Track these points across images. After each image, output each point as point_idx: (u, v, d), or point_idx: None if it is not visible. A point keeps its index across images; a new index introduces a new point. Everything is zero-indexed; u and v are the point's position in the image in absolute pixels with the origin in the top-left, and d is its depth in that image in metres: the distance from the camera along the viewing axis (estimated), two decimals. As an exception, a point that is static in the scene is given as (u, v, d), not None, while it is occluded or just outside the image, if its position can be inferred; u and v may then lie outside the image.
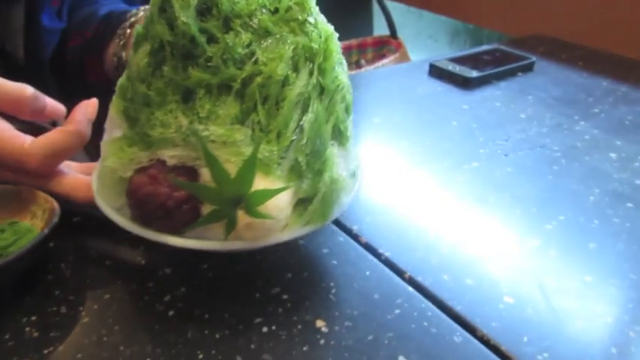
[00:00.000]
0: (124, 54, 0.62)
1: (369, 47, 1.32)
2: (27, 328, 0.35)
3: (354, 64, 1.31)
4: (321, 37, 0.35)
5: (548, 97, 0.74)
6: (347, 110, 0.38)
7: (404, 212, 0.48)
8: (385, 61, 1.17)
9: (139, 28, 0.36)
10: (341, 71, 0.37)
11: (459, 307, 0.37)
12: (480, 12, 1.26)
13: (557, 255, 0.43)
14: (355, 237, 0.44)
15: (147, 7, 0.63)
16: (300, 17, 0.35)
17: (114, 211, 0.36)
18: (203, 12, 0.34)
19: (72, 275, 0.39)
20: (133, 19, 0.62)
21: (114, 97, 0.37)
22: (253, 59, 0.33)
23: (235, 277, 0.39)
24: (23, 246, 0.36)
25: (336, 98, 0.36)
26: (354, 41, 1.30)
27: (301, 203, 0.35)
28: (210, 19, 0.34)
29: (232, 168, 0.32)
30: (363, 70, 1.15)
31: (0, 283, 0.36)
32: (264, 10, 0.34)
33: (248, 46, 0.34)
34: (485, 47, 0.92)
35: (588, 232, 0.46)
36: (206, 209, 0.33)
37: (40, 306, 0.37)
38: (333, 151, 0.36)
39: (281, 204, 0.33)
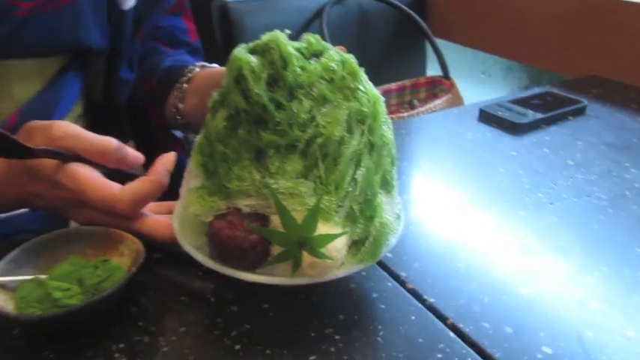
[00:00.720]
0: (180, 105, 0.77)
1: (422, 87, 1.42)
2: (116, 355, 0.45)
3: (407, 104, 1.41)
4: (370, 101, 0.45)
5: (600, 143, 0.81)
6: (392, 162, 0.47)
7: (449, 260, 0.56)
8: (438, 101, 1.27)
9: (215, 95, 0.46)
10: (386, 129, 0.46)
11: (497, 355, 0.44)
12: (533, 52, 1.35)
13: (598, 307, 0.49)
14: (402, 283, 0.52)
15: (202, 63, 0.78)
16: (352, 85, 0.45)
17: (194, 249, 0.46)
18: (271, 83, 0.44)
19: (153, 308, 0.49)
20: (189, 75, 0.77)
21: (192, 153, 0.48)
22: (314, 123, 0.43)
23: (293, 316, 0.48)
24: (115, 282, 0.46)
25: (383, 153, 0.45)
26: (407, 82, 1.41)
27: (355, 244, 0.44)
28: (277, 89, 0.44)
29: (298, 215, 0.42)
30: (415, 111, 1.24)
31: (96, 314, 0.46)
32: (322, 81, 0.44)
33: (309, 111, 0.43)
34: (536, 90, 1.00)
35: (632, 285, 0.52)
36: (275, 250, 0.43)
37: (126, 334, 0.47)
38: (382, 198, 0.45)
39: (339, 246, 0.42)
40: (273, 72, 0.44)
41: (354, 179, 0.43)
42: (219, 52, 1.29)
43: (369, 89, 0.46)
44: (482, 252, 0.57)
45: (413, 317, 0.48)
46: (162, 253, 0.56)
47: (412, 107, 1.36)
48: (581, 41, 1.24)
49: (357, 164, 0.44)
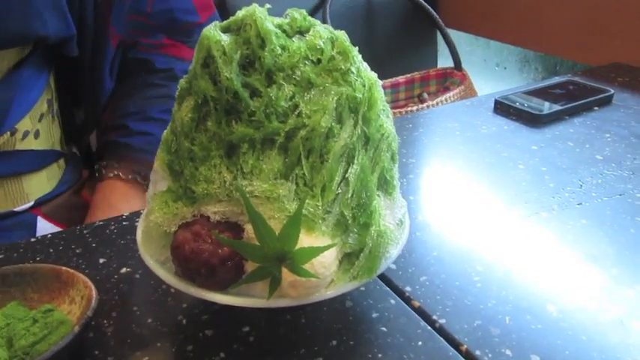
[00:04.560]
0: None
1: (433, 80, 1.34)
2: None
3: (416, 98, 1.32)
4: (364, 85, 0.38)
5: (630, 135, 0.72)
6: (392, 158, 0.40)
7: (463, 272, 0.48)
8: (449, 94, 1.19)
9: (182, 82, 0.39)
10: (385, 119, 0.39)
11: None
12: (551, 40, 1.26)
13: None
14: (408, 300, 0.45)
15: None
16: (342, 67, 0.37)
17: (158, 264, 0.39)
18: (246, 66, 0.37)
19: (113, 333, 0.42)
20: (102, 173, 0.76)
21: (158, 151, 0.41)
22: (296, 112, 0.36)
23: (277, 342, 0.41)
24: (52, 345, 0.36)
25: (381, 147, 0.38)
26: (416, 74, 1.33)
27: (347, 258, 0.37)
28: (253, 73, 0.37)
29: (276, 224, 0.34)
30: (425, 104, 1.17)
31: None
32: (306, 62, 0.37)
33: (291, 98, 0.36)
34: (557, 79, 0.92)
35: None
36: (250, 266, 0.35)
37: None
38: (380, 202, 0.38)
39: (327, 261, 0.35)
40: (249, 52, 0.37)
41: (345, 179, 0.36)
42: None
43: (363, 72, 0.38)
44: (500, 263, 0.49)
45: (420, 343, 0.41)
46: (132, 269, 0.49)
47: (422, 101, 1.27)
48: (604, 27, 1.15)
49: (349, 161, 0.36)
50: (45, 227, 0.68)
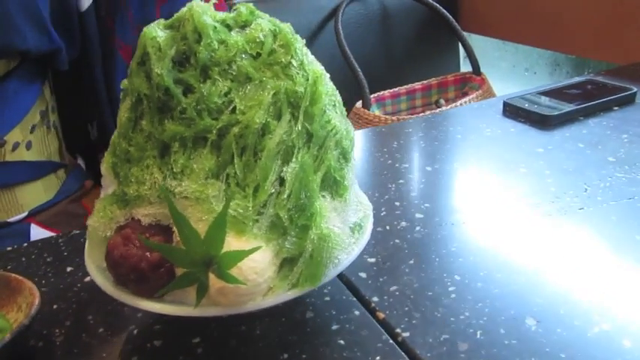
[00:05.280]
0: None
1: (451, 85, 1.29)
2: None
3: (433, 105, 1.28)
4: (308, 79, 0.35)
5: (648, 135, 0.67)
6: (345, 157, 0.37)
7: (439, 281, 0.44)
8: (466, 99, 1.14)
9: (124, 82, 0.38)
10: (334, 114, 0.36)
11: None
12: (578, 40, 1.20)
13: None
14: (373, 311, 0.42)
15: None
16: (283, 60, 0.35)
17: (100, 271, 0.37)
18: (182, 62, 0.35)
19: (62, 343, 0.41)
20: None
21: (106, 153, 0.39)
22: (230, 108, 0.34)
23: (226, 354, 0.39)
24: None
25: (327, 145, 0.35)
26: (433, 80, 1.28)
27: (288, 264, 0.34)
28: (189, 68, 0.35)
29: (204, 227, 0.32)
30: (439, 110, 1.12)
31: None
32: (244, 56, 0.35)
33: (226, 94, 0.34)
34: (576, 79, 0.86)
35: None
36: (179, 272, 0.33)
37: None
38: (324, 204, 0.35)
39: (258, 266, 0.32)
40: (185, 48, 0.35)
41: (280, 178, 0.33)
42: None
43: (307, 65, 0.36)
44: (480, 272, 0.45)
45: (377, 357, 0.37)
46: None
47: (439, 107, 1.23)
48: (634, 25, 1.09)
49: (286, 159, 0.34)
50: (39, 234, 0.68)
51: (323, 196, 0.35)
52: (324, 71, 0.37)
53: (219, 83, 0.34)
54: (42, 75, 0.69)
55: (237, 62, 0.35)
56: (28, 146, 0.67)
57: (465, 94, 1.24)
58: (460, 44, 1.35)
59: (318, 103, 0.35)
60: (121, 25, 0.73)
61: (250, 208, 0.32)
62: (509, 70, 1.64)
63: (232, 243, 0.32)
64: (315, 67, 0.36)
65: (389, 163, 0.66)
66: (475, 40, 1.53)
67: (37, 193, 0.69)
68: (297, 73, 0.35)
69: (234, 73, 0.35)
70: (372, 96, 1.19)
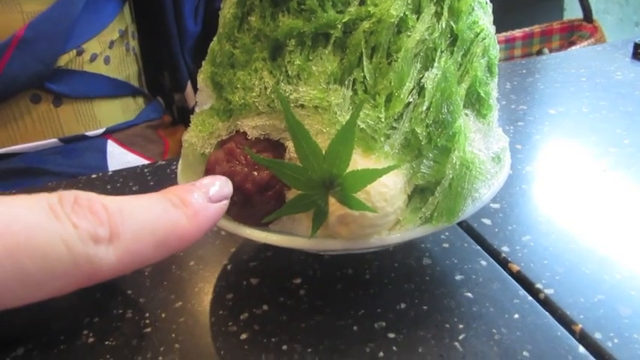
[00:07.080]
0: None
1: (556, 34, 1.16)
2: (85, 331, 0.33)
3: (535, 55, 1.17)
4: (455, -33, 0.28)
5: None
6: (490, 69, 0.30)
7: (582, 234, 0.37)
8: (575, 49, 1.02)
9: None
10: (482, 14, 0.29)
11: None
12: None
13: None
14: (504, 263, 0.35)
15: None
16: (426, -58, 0.28)
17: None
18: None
19: (150, 274, 0.37)
20: None
21: (203, 63, 0.34)
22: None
23: (332, 299, 0.33)
24: None
25: (474, 51, 0.29)
26: (536, 28, 1.16)
27: (419, 193, 0.28)
28: (309, -48, 0.29)
29: (325, 141, 0.26)
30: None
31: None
32: (377, -64, 0.28)
33: (354, -18, 0.28)
34: None
35: None
36: (292, 195, 0.28)
37: (102, 309, 0.35)
38: (468, 122, 0.28)
39: (389, 192, 0.26)
40: None
41: (419, 86, 0.27)
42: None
43: (453, -49, 0.29)
44: (631, 226, 0.38)
45: (516, 316, 0.31)
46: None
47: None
48: None
49: (427, 64, 0.27)
50: (115, 151, 0.66)
51: (466, 115, 0.29)
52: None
53: (347, -31, 0.28)
54: None
55: (369, -56, 0.28)
56: (107, 60, 0.65)
57: (572, 44, 1.11)
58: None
59: (466, -3, 0.28)
60: None
61: (382, 121, 0.26)
62: (616, 24, 1.48)
63: (359, 161, 0.26)
64: (463, -46, 0.29)
65: (503, 104, 0.58)
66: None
67: (114, 112, 0.68)
68: (442, -41, 0.28)
69: (364, -42, 0.28)
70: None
